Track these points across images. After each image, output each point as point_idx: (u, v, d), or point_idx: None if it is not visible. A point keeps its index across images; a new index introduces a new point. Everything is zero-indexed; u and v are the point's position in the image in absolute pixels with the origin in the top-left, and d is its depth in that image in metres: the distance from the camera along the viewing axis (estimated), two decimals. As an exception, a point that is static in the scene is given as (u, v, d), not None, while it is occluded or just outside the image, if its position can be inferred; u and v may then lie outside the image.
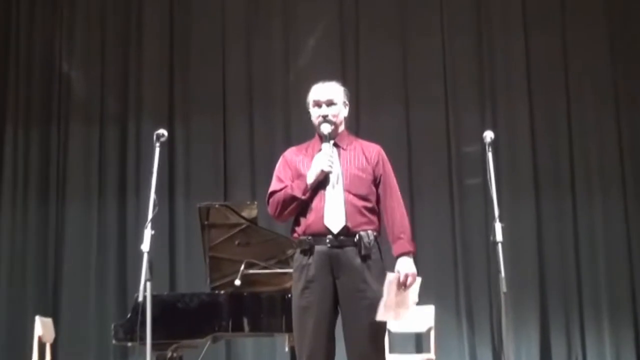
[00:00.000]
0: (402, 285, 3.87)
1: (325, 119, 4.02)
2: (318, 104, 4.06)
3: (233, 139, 7.97)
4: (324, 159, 3.93)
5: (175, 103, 8.05)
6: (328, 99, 4.06)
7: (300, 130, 6.79)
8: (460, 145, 7.76)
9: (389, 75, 7.96)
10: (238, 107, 8.02)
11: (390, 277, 3.83)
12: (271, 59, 8.07)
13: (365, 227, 3.91)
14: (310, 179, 3.93)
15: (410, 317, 4.02)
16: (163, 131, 4.32)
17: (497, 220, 4.06)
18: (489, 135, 4.32)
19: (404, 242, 3.96)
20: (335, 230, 3.87)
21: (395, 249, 3.96)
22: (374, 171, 4.03)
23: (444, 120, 7.84)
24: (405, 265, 3.91)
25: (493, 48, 7.95)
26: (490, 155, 4.26)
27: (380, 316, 3.77)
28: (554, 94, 7.83)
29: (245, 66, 8.07)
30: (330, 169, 3.91)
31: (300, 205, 3.93)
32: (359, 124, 7.68)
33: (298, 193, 3.93)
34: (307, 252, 3.89)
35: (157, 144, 4.29)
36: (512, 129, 7.80)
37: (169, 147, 7.64)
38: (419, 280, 3.92)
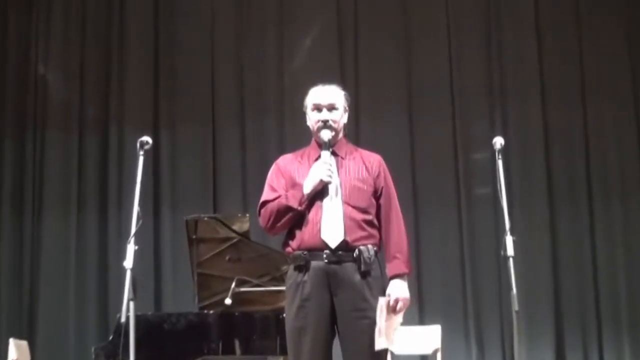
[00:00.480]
0: (392, 310, 3.88)
1: (325, 124, 4.03)
2: (318, 108, 4.06)
3: (223, 147, 7.97)
4: (323, 167, 3.93)
5: (161, 108, 8.05)
6: (329, 102, 4.06)
7: (296, 138, 6.77)
8: (468, 152, 7.77)
9: (391, 78, 7.98)
10: (228, 113, 8.02)
11: (382, 301, 3.84)
12: (264, 61, 8.09)
13: (365, 241, 3.91)
14: (308, 188, 3.92)
15: (407, 339, 4.01)
16: (147, 138, 4.31)
17: (508, 233, 4.05)
18: (498, 141, 4.32)
19: (399, 262, 3.96)
20: (333, 245, 3.86)
21: (390, 269, 3.97)
22: (374, 183, 4.04)
23: (450, 126, 7.85)
24: (398, 289, 3.91)
25: (503, 48, 7.96)
26: (500, 163, 4.25)
27: (378, 345, 3.77)
28: (569, 97, 7.85)
29: (236, 69, 8.08)
30: (330, 179, 3.91)
31: (295, 217, 3.93)
32: (359, 130, 7.69)
33: (294, 203, 3.92)
34: (302, 268, 3.89)
35: (141, 152, 4.28)
36: (524, 134, 7.81)
37: (153, 155, 7.65)
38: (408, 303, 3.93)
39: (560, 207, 7.70)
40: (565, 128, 7.84)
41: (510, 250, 4.03)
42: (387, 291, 3.90)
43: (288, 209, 3.93)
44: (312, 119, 4.07)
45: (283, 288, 4.06)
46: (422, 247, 7.61)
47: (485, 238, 7.54)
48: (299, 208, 3.91)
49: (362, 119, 7.78)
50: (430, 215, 7.72)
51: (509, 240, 4.04)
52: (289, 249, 3.96)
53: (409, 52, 8.01)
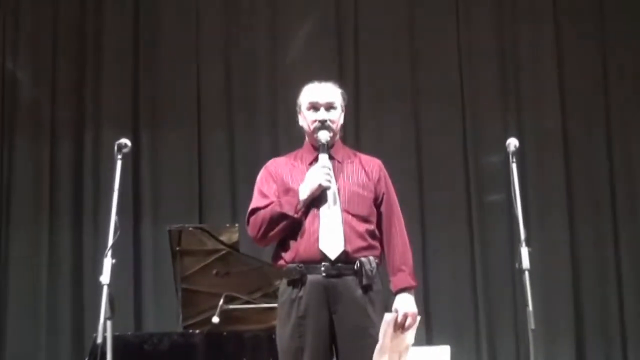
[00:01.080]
0: (400, 327, 3.88)
1: (323, 124, 4.04)
2: (315, 107, 4.08)
3: (209, 150, 7.97)
4: (321, 171, 3.94)
5: (141, 108, 8.03)
6: (327, 101, 4.09)
7: (290, 140, 6.79)
8: (480, 154, 7.78)
9: (395, 73, 7.98)
10: (215, 113, 8.01)
11: (388, 317, 3.85)
12: (254, 56, 8.08)
13: (366, 252, 3.93)
14: (304, 194, 3.93)
15: None
16: (126, 141, 4.32)
17: (524, 244, 4.07)
18: (513, 143, 4.34)
19: (405, 275, 3.99)
20: (332, 256, 3.87)
21: (395, 282, 3.99)
22: (375, 189, 4.07)
23: (459, 126, 7.86)
24: (406, 304, 3.93)
25: (518, 40, 7.98)
26: (514, 167, 4.27)
27: None
28: (591, 94, 7.87)
29: (224, 65, 8.07)
30: (329, 184, 3.93)
31: (289, 227, 3.93)
32: (359, 131, 7.70)
33: (289, 210, 3.93)
34: (298, 282, 3.90)
35: (119, 156, 4.29)
36: (541, 135, 7.82)
37: (133, 160, 7.64)
38: (418, 319, 3.94)
39: (580, 214, 7.71)
40: (586, 128, 7.84)
41: (525, 263, 4.04)
42: (394, 306, 3.92)
43: (282, 216, 3.93)
44: (308, 118, 4.08)
45: (276, 305, 4.06)
46: (429, 260, 7.61)
47: (499, 249, 7.54)
48: (295, 216, 3.92)
49: (362, 120, 7.79)
50: (437, 224, 7.72)
51: (525, 251, 4.06)
52: (281, 262, 3.97)
53: (414, 46, 8.01)
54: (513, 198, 4.19)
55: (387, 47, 8.02)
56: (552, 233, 7.59)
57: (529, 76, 7.94)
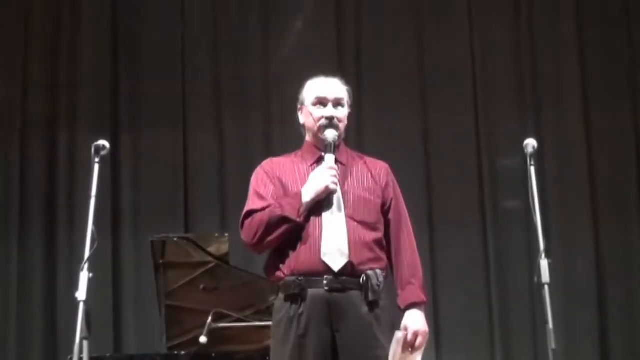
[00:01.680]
0: (409, 347, 3.89)
1: (330, 122, 4.05)
2: (322, 103, 4.10)
3: (196, 153, 7.98)
4: (328, 173, 3.94)
5: (121, 106, 8.04)
6: (337, 97, 4.12)
7: (285, 141, 6.80)
8: (495, 157, 7.78)
9: (401, 67, 7.99)
10: (203, 112, 8.02)
11: (398, 335, 3.86)
12: (245, 47, 8.09)
13: (373, 264, 3.93)
14: (308, 197, 3.93)
15: None
16: (104, 143, 4.33)
17: (543, 255, 4.07)
18: (531, 144, 4.35)
19: (415, 289, 4.00)
20: (336, 268, 3.87)
21: (404, 297, 4.00)
22: (383, 194, 4.08)
23: (472, 125, 7.87)
24: (416, 321, 3.95)
25: (536, 31, 7.98)
26: (532, 170, 4.27)
27: None
28: (616, 90, 7.87)
29: (212, 57, 8.09)
30: (336, 187, 3.93)
31: (289, 232, 3.93)
32: (361, 130, 7.69)
33: (291, 214, 3.92)
34: (297, 297, 3.89)
35: (97, 160, 4.30)
36: (562, 135, 7.83)
37: (112, 164, 7.64)
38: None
39: (606, 223, 7.71)
40: (611, 127, 7.85)
41: (545, 276, 4.04)
42: (403, 323, 3.92)
43: (282, 220, 3.93)
44: (314, 114, 4.09)
45: (270, 323, 4.06)
46: (439, 273, 7.62)
47: (516, 261, 7.54)
48: (298, 220, 3.91)
49: (365, 118, 7.78)
50: (448, 233, 7.73)
51: (544, 264, 4.06)
52: (278, 274, 3.95)
53: (422, 36, 8.03)
54: (531, 205, 4.19)
55: (392, 38, 8.02)
56: (575, 243, 7.59)
57: (547, 69, 7.94)
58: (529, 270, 6.70)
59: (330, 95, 4.11)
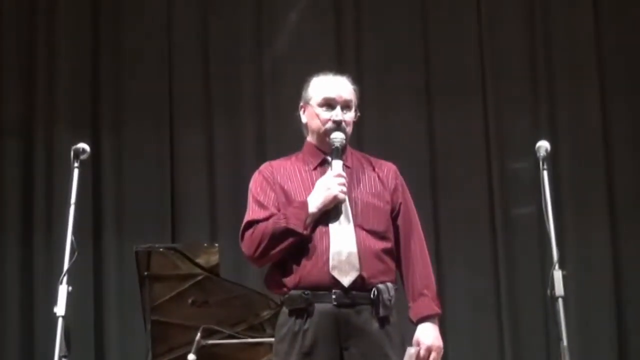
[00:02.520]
0: None
1: (339, 126, 4.06)
2: (330, 104, 4.11)
3: (184, 156, 7.97)
4: (335, 181, 3.95)
5: (103, 106, 8.03)
6: (346, 99, 4.14)
7: (279, 144, 6.81)
8: (505, 160, 7.79)
9: (404, 61, 8.00)
10: (191, 111, 8.02)
11: (411, 351, 3.87)
12: (237, 41, 8.10)
13: (384, 277, 3.95)
14: (314, 207, 3.94)
15: None
16: (84, 146, 4.34)
17: (557, 266, 4.08)
18: (543, 146, 4.36)
19: (428, 301, 4.01)
20: (346, 283, 3.88)
21: (416, 309, 4.01)
22: (392, 198, 4.09)
23: (481, 125, 7.88)
24: (429, 335, 3.96)
25: (550, 22, 7.98)
26: (545, 175, 4.29)
27: None
28: (637, 86, 7.87)
29: (201, 52, 8.09)
30: (345, 196, 3.94)
31: (293, 245, 3.94)
32: (362, 129, 7.69)
33: (297, 226, 3.92)
34: (303, 312, 3.90)
35: (76, 164, 4.31)
36: (578, 136, 7.83)
37: (93, 168, 7.64)
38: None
39: (626, 231, 7.72)
40: (634, 127, 7.85)
41: (559, 289, 4.06)
42: (416, 338, 3.94)
43: (288, 232, 3.93)
44: (322, 116, 4.09)
45: (264, 340, 4.08)
46: (446, 284, 7.61)
47: (527, 272, 7.55)
48: (304, 232, 3.92)
49: (366, 117, 7.74)
50: (454, 241, 7.74)
51: (558, 275, 4.07)
52: (284, 289, 3.96)
53: (427, 28, 8.03)
54: (544, 211, 4.21)
55: (395, 31, 8.03)
56: (592, 253, 7.60)
57: (562, 65, 7.94)
58: (541, 282, 6.72)
59: (340, 97, 4.12)
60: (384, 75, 7.96)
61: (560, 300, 4.04)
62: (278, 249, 3.94)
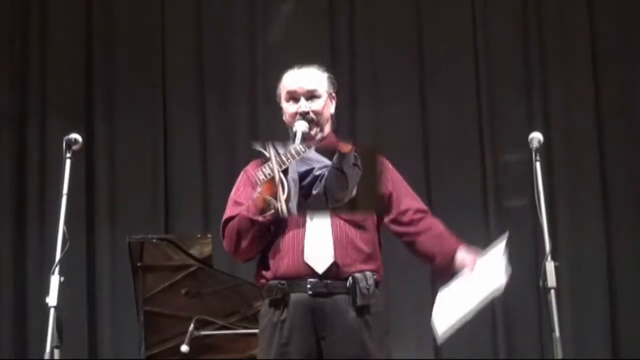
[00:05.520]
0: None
1: (305, 117, 4.06)
2: (294, 97, 4.11)
3: (177, 146, 7.97)
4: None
5: (95, 96, 8.03)
6: (308, 89, 4.12)
7: (273, 133, 6.79)
8: (498, 151, 7.78)
9: (397, 51, 7.98)
10: (184, 101, 8.01)
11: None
12: (230, 31, 8.09)
13: (362, 266, 3.95)
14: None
15: None
16: (76, 136, 4.35)
17: (549, 257, 4.09)
18: (536, 137, 4.37)
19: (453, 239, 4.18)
20: (320, 270, 3.89)
21: (447, 253, 4.14)
22: (378, 192, 4.09)
23: (474, 116, 7.86)
24: (464, 257, 4.19)
25: (543, 8, 7.97)
26: (538, 166, 4.29)
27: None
28: (636, 76, 7.87)
29: (194, 42, 8.08)
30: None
31: (264, 235, 3.94)
32: (355, 121, 7.69)
33: (254, 214, 3.95)
34: (280, 302, 3.91)
35: (69, 154, 4.31)
36: (572, 127, 7.81)
37: (87, 158, 7.64)
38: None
39: (619, 223, 7.70)
40: (629, 119, 7.83)
41: (551, 280, 4.07)
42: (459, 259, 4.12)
43: (250, 222, 3.95)
44: (288, 111, 4.11)
45: (257, 331, 4.08)
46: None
47: (520, 264, 7.52)
48: (259, 219, 3.92)
49: (359, 106, 7.77)
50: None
51: (550, 267, 4.08)
52: (262, 280, 3.98)
53: (421, 16, 8.00)
54: (537, 203, 4.21)
55: (389, 17, 8.00)
56: (585, 244, 7.59)
57: (557, 53, 7.92)
58: (534, 274, 6.72)
59: (301, 89, 4.13)
60: (378, 66, 7.93)
61: (552, 292, 4.05)
62: (247, 240, 3.98)
